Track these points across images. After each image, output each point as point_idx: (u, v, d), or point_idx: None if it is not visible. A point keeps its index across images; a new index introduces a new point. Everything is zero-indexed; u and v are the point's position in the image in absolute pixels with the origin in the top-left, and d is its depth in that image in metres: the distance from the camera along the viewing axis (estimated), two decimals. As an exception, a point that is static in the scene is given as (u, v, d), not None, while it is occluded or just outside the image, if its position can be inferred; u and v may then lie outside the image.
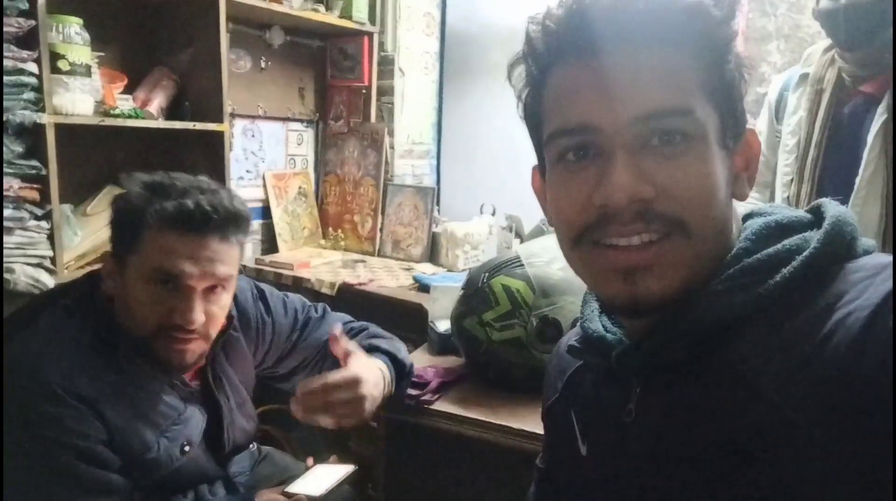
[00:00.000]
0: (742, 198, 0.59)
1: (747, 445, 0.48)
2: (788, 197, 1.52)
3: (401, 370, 1.22)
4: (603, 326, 0.66)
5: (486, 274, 1.34)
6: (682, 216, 0.53)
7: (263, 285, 1.30)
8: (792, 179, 1.51)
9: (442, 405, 1.28)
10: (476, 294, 1.34)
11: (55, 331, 0.98)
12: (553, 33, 0.56)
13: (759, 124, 1.69)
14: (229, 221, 0.99)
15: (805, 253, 0.51)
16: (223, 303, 1.04)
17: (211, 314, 1.02)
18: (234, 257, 1.03)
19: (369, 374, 1.09)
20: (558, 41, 0.56)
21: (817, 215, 0.56)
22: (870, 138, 1.36)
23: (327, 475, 1.24)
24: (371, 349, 1.21)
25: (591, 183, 0.55)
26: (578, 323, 0.70)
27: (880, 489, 0.42)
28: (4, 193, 1.50)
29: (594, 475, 0.66)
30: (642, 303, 0.55)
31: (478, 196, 2.54)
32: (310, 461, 1.30)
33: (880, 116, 1.35)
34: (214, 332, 1.06)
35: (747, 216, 0.60)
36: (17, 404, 0.92)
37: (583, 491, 0.69)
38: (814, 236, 0.53)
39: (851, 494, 0.43)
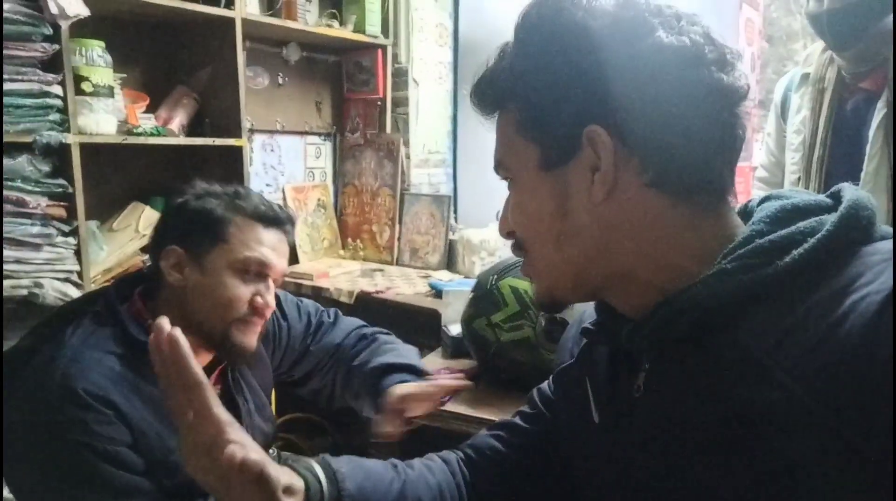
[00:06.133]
0: (595, 200, 0.58)
1: (754, 422, 0.48)
2: None
3: (419, 375, 1.24)
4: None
5: (495, 276, 1.37)
6: (521, 240, 0.67)
7: (278, 291, 1.34)
8: (799, 177, 1.52)
9: (453, 406, 1.30)
10: (485, 296, 1.36)
11: (84, 338, 1.01)
12: None
13: (767, 126, 1.72)
14: (292, 222, 1.15)
15: (818, 235, 0.51)
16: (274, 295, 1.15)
17: (272, 302, 1.12)
18: None
19: None
20: None
21: (836, 200, 0.55)
22: (871, 133, 1.37)
23: None
24: (388, 370, 1.22)
25: None
26: (594, 306, 0.71)
27: (885, 475, 0.42)
28: (32, 210, 1.56)
29: (604, 446, 0.67)
30: (538, 306, 0.71)
31: (493, 203, 2.53)
32: None
33: (880, 111, 1.35)
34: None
35: (764, 200, 0.59)
36: (45, 409, 0.95)
37: (594, 462, 0.70)
38: (829, 219, 0.52)
39: (855, 476, 0.43)
